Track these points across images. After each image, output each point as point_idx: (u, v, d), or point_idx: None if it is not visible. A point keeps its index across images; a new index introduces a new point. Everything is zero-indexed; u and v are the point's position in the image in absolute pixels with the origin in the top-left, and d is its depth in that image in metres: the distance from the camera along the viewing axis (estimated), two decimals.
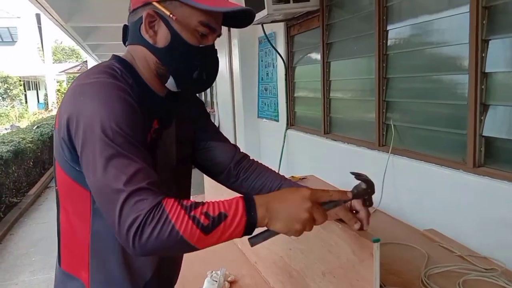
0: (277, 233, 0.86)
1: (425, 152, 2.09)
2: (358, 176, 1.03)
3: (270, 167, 1.22)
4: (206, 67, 0.95)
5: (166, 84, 0.96)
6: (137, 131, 0.84)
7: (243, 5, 3.34)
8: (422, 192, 2.07)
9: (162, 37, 0.91)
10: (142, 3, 0.92)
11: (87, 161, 0.80)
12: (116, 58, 0.96)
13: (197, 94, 1.29)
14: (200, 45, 0.93)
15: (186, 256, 1.18)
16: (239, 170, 1.17)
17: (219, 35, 0.98)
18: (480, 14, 1.68)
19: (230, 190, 1.19)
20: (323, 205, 0.89)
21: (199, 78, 0.95)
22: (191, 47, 0.92)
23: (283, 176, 1.19)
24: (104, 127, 0.79)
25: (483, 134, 1.74)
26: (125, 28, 0.98)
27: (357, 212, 1.02)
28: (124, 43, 0.99)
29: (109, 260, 0.93)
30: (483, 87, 1.72)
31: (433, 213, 1.97)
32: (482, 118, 1.74)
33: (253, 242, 0.88)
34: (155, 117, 0.95)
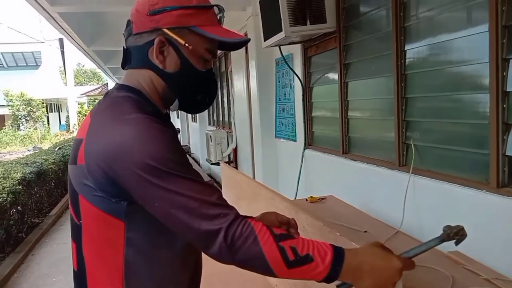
0: None
1: (446, 172, 2.06)
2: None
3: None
4: (208, 90, 1.02)
5: (170, 106, 1.01)
6: (182, 154, 0.90)
7: (261, 27, 3.41)
8: (444, 213, 2.03)
9: (172, 63, 0.95)
10: (150, 28, 0.93)
11: (153, 196, 0.83)
12: (125, 88, 0.97)
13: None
14: (203, 70, 0.98)
15: (207, 278, 1.18)
16: None
17: (216, 60, 1.02)
18: (500, 33, 1.67)
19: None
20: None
21: (202, 100, 1.02)
22: (198, 72, 0.97)
23: None
24: (162, 159, 0.83)
25: (507, 154, 1.71)
26: (126, 52, 0.98)
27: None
28: (123, 67, 1.01)
29: (141, 284, 0.93)
30: (504, 106, 1.70)
31: None
32: (504, 137, 1.72)
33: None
34: None
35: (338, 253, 0.84)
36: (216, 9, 0.99)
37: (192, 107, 1.04)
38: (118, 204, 0.88)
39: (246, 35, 5.14)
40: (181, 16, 0.93)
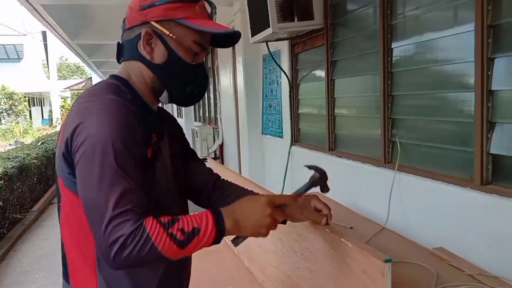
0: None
1: (431, 169, 2.08)
2: (310, 167, 1.18)
3: (237, 184, 1.32)
4: (198, 83, 1.05)
5: (160, 98, 1.04)
6: (136, 150, 0.90)
7: (249, 23, 3.40)
8: (429, 210, 2.06)
9: (159, 54, 0.99)
10: (139, 22, 0.99)
11: (82, 175, 0.87)
12: (114, 77, 1.02)
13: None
14: (193, 63, 1.02)
15: (193, 275, 1.19)
16: (216, 188, 1.26)
17: (207, 53, 1.03)
18: (485, 33, 1.69)
19: None
20: (279, 206, 1.00)
21: (191, 93, 1.04)
22: (185, 64, 1.00)
23: (251, 190, 1.26)
24: (105, 146, 0.85)
25: (490, 152, 1.74)
26: (120, 45, 1.04)
27: (320, 210, 1.17)
28: (118, 60, 1.06)
29: (115, 273, 0.96)
30: (489, 105, 1.73)
31: (441, 231, 1.96)
32: (489, 135, 1.74)
33: (236, 243, 1.03)
34: (154, 131, 1.01)
35: (215, 212, 0.91)
36: (207, 5, 1.03)
37: (181, 99, 1.07)
38: None
39: None
40: (168, 9, 0.97)
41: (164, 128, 1.09)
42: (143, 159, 0.93)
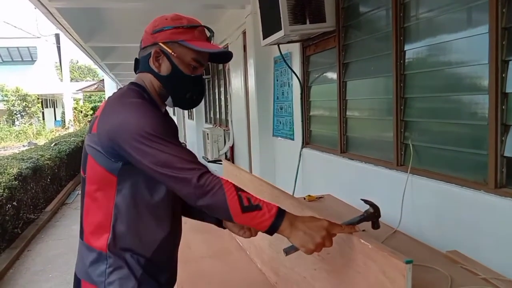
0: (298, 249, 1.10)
1: (445, 172, 2.07)
2: (366, 201, 1.27)
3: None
4: (196, 91, 1.31)
5: (166, 102, 1.31)
6: (168, 129, 1.19)
7: (260, 25, 3.42)
8: (442, 213, 2.04)
9: (165, 68, 1.26)
10: (151, 43, 1.26)
11: (143, 155, 1.10)
12: (133, 84, 1.30)
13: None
14: (192, 75, 1.28)
15: (206, 275, 1.22)
16: None
17: (205, 68, 1.42)
18: (500, 35, 1.69)
19: None
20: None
21: (190, 99, 1.31)
22: (186, 76, 1.27)
23: None
24: (151, 129, 1.12)
25: (505, 155, 1.73)
26: (137, 60, 1.33)
27: None
28: (135, 71, 1.34)
29: (126, 229, 1.21)
30: (503, 107, 1.71)
31: (454, 235, 1.95)
32: (503, 138, 1.73)
33: (288, 251, 1.14)
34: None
35: (281, 209, 1.10)
36: (206, 31, 1.30)
37: (182, 103, 1.33)
38: (116, 163, 1.17)
39: (244, 33, 5.14)
40: (173, 34, 1.24)
41: (169, 126, 1.33)
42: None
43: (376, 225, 1.26)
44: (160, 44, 1.24)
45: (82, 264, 1.26)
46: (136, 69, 1.33)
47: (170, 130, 1.23)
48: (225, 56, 1.37)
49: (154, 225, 1.25)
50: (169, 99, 1.29)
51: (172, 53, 1.24)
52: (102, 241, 1.21)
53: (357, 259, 1.11)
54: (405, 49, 2.32)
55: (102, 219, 1.22)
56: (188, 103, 1.33)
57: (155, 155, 1.10)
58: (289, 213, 1.11)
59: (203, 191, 1.08)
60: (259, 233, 1.22)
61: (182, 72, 1.26)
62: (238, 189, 1.09)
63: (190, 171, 1.09)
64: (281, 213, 1.09)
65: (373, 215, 1.24)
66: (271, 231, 1.09)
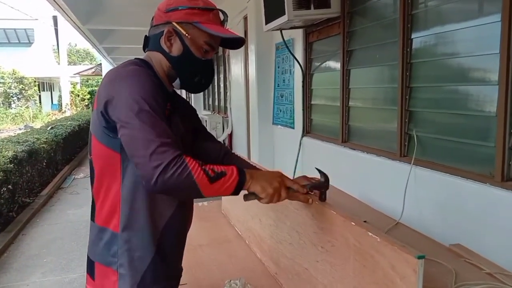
0: (258, 197, 1.15)
1: (449, 164, 2.03)
2: (319, 170, 1.32)
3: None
4: (205, 75, 1.28)
5: (173, 83, 1.27)
6: (160, 104, 1.12)
7: (263, 10, 3.34)
8: (446, 206, 2.01)
9: (176, 49, 1.22)
10: (164, 21, 1.22)
11: (124, 121, 1.06)
12: (139, 59, 1.25)
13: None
14: (203, 58, 1.24)
15: (205, 263, 1.19)
16: (226, 161, 1.45)
17: (216, 52, 1.34)
18: None
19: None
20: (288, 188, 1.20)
21: (198, 82, 1.27)
22: (196, 59, 1.23)
23: (255, 165, 1.53)
24: (139, 98, 1.07)
25: None
26: (146, 38, 1.28)
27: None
28: (144, 49, 1.30)
29: (135, 207, 1.18)
30: None
31: (458, 228, 1.91)
32: (511, 130, 1.69)
33: (247, 198, 1.17)
34: (168, 101, 1.23)
35: (240, 168, 1.13)
36: (220, 14, 1.26)
37: (190, 86, 1.29)
38: (115, 139, 1.12)
39: (245, 18, 5.05)
40: (187, 14, 1.20)
41: (177, 106, 1.30)
42: (163, 114, 1.13)
43: (323, 196, 1.31)
44: (174, 23, 1.20)
45: (95, 246, 1.24)
46: (146, 46, 1.28)
47: (159, 102, 1.13)
48: (237, 42, 1.32)
49: (160, 201, 1.21)
50: (177, 81, 1.25)
51: (186, 34, 1.20)
52: (114, 221, 1.19)
53: (364, 253, 1.07)
54: (412, 37, 2.26)
55: (112, 200, 1.19)
56: (196, 87, 1.29)
57: (133, 125, 1.06)
58: (246, 169, 1.15)
59: (169, 180, 1.04)
60: (258, 223, 1.22)
61: (193, 55, 1.22)
62: (202, 164, 1.07)
63: (161, 154, 1.05)
64: (241, 171, 1.12)
65: (323, 184, 1.30)
66: (238, 189, 1.12)
